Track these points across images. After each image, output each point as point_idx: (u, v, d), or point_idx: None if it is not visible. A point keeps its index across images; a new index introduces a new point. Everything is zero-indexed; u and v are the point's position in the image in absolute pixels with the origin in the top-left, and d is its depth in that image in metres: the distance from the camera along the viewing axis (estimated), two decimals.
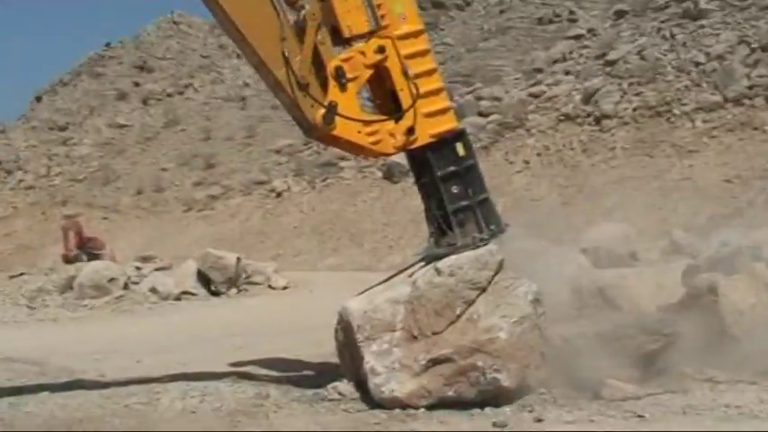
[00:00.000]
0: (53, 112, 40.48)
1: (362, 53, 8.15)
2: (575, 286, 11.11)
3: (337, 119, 7.96)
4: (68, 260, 26.72)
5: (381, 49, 8.16)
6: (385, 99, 8.44)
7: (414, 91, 8.15)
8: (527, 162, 27.20)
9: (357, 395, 8.21)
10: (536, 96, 29.12)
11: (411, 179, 32.26)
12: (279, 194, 33.77)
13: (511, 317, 7.79)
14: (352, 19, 8.15)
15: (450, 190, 8.34)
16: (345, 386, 8.39)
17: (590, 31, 32.13)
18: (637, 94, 26.95)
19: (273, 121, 37.55)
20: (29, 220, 37.76)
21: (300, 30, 8.02)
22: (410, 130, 8.18)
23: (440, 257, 8.28)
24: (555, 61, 30.68)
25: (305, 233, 31.44)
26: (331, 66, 7.99)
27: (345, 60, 8.06)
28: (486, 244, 8.28)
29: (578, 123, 27.54)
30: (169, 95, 41.50)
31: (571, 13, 33.87)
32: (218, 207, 35.06)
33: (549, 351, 8.46)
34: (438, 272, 8.05)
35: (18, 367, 11.73)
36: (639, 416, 6.97)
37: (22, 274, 27.26)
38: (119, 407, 8.50)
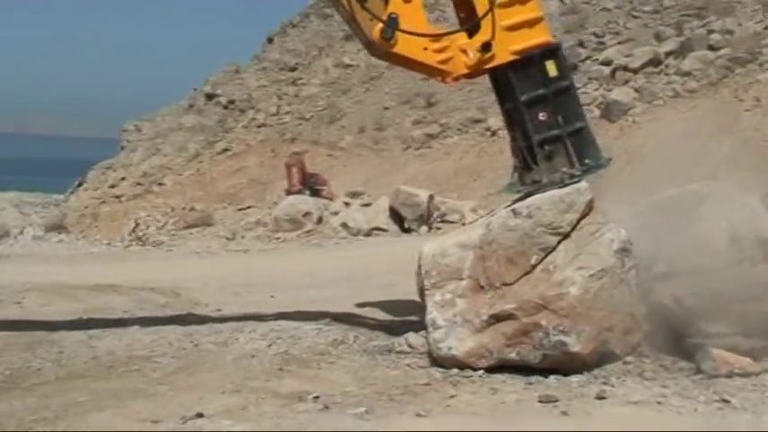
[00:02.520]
0: (283, 53, 41.40)
1: None
2: (732, 235, 9.37)
3: (399, 34, 6.89)
4: (292, 195, 27.33)
5: None
6: (469, 12, 7.23)
7: None
8: (758, 99, 24.09)
9: (427, 348, 7.29)
10: None
11: (631, 118, 29.79)
12: (494, 133, 32.56)
13: (588, 269, 6.46)
14: None
15: (536, 117, 7.03)
16: (416, 338, 7.47)
17: None
18: None
19: None
20: (260, 157, 39.17)
21: None
22: (486, 46, 6.92)
23: (526, 196, 7.08)
24: None
25: None
26: None
27: None
28: (577, 181, 6.94)
29: None
30: None
31: None
32: (435, 145, 34.48)
33: (654, 312, 7.07)
34: (515, 213, 6.85)
35: (149, 297, 11.84)
36: (725, 400, 5.50)
37: (248, 207, 28.38)
38: (190, 346, 8.18)
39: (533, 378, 6.35)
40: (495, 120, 33.70)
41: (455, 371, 6.70)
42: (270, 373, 7.08)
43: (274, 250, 20.36)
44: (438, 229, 22.16)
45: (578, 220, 6.70)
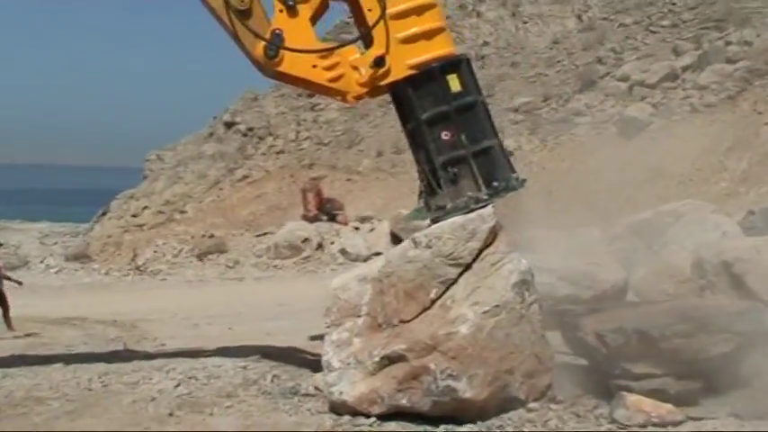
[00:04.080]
0: None
1: None
2: (696, 259, 8.64)
3: (285, 52, 6.34)
4: (308, 220, 26.96)
5: None
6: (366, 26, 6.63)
7: (381, 7, 6.29)
8: None
9: None
10: None
11: (648, 134, 28.84)
12: (510, 153, 31.86)
13: (483, 305, 5.79)
14: None
15: (438, 137, 6.42)
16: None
17: None
18: None
19: (513, 78, 35.53)
20: (279, 183, 38.89)
21: None
22: (379, 61, 6.33)
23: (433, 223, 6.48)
24: None
25: (533, 192, 29.46)
26: None
27: None
28: (484, 206, 6.31)
29: None
30: None
31: None
32: None
33: (578, 350, 6.41)
34: (414, 243, 6.25)
35: (102, 331, 11.51)
36: None
37: (266, 234, 27.99)
38: (98, 386, 7.73)
39: (423, 428, 5.70)
40: (511, 141, 33.06)
41: (347, 418, 6.09)
42: (156, 420, 6.56)
43: (270, 278, 19.89)
44: None
45: (481, 250, 6.04)
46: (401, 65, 6.37)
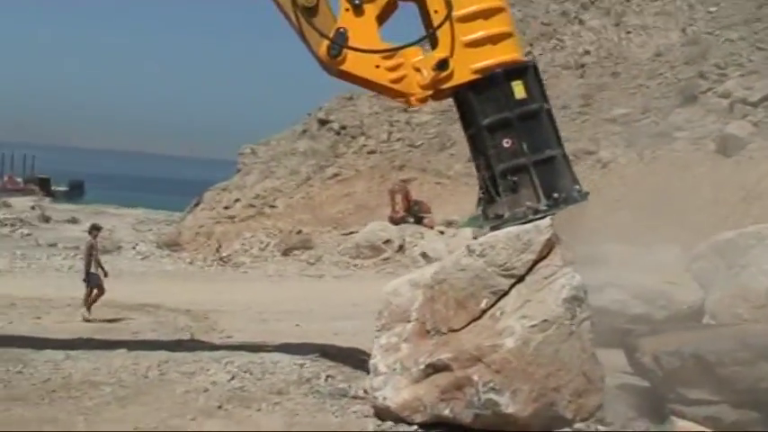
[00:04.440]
0: None
1: None
2: None
3: (348, 51, 6.28)
4: (395, 221, 27.03)
5: None
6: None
7: (448, 9, 6.18)
8: None
9: None
10: None
11: (747, 153, 27.84)
12: (605, 165, 31.22)
13: (531, 319, 5.61)
14: None
15: (499, 144, 6.27)
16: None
17: None
18: None
19: (612, 89, 34.76)
20: (368, 183, 39.04)
21: None
22: (442, 64, 6.22)
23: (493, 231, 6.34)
24: None
25: (625, 206, 28.83)
26: None
27: None
28: (542, 217, 6.13)
29: None
30: None
31: None
32: None
33: (635, 371, 6.18)
34: (468, 251, 6.11)
35: (173, 320, 11.67)
36: None
37: (351, 233, 28.24)
38: (155, 374, 7.84)
39: None
40: (607, 152, 32.41)
41: (389, 424, 6.03)
42: (203, 412, 6.60)
43: (348, 277, 19.92)
44: None
45: (535, 262, 5.87)
46: (465, 69, 6.24)
